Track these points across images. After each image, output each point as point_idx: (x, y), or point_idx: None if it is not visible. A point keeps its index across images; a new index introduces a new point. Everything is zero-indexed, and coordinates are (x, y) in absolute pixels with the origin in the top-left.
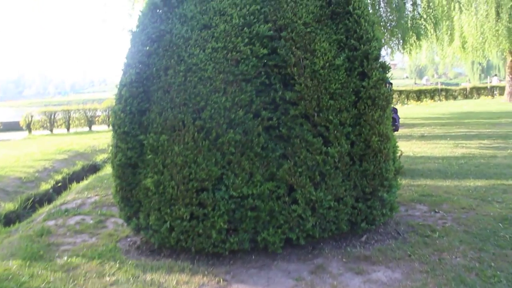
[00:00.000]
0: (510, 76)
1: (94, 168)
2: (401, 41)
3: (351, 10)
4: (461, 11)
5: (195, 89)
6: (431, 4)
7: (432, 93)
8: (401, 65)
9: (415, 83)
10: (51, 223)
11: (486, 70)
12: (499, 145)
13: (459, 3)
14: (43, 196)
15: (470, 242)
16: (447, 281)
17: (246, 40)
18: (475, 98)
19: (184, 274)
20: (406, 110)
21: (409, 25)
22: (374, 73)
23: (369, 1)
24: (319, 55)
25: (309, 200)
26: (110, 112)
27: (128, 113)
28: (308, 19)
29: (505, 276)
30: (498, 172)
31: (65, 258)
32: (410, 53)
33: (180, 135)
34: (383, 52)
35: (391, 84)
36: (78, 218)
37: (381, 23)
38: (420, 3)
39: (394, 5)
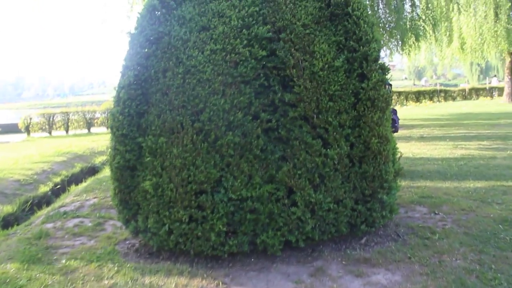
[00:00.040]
0: (509, 77)
1: (93, 170)
2: (400, 42)
3: (350, 11)
4: (459, 12)
5: (194, 91)
6: (429, 5)
7: (431, 94)
8: (400, 66)
9: (414, 84)
10: (49, 225)
11: (485, 71)
12: (499, 146)
13: (458, 4)
14: (41, 198)
15: (470, 244)
16: (448, 283)
17: (245, 42)
18: (474, 99)
19: (183, 277)
20: (405, 111)
21: (408, 26)
22: (373, 75)
23: (368, 2)
24: (318, 56)
25: (309, 202)
26: (108, 114)
27: (127, 116)
28: (307, 20)
29: (506, 279)
30: (497, 173)
31: (63, 261)
32: (409, 54)
33: (179, 138)
34: (382, 53)
35: (391, 85)
36: (76, 220)
37: (380, 24)
38: (419, 4)
39: (393, 6)
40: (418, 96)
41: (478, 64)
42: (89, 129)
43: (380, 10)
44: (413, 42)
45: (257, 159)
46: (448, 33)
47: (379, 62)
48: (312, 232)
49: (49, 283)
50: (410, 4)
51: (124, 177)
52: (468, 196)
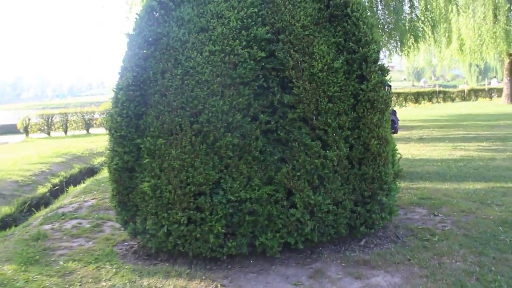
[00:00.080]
0: (508, 78)
1: (91, 171)
2: (399, 43)
3: (350, 12)
4: (458, 14)
5: (193, 92)
6: (428, 6)
7: (430, 95)
8: (399, 67)
9: (413, 85)
10: (47, 227)
11: (484, 72)
12: (498, 147)
13: (457, 5)
14: (40, 199)
15: (470, 246)
16: (447, 286)
17: (244, 43)
18: (473, 100)
19: (181, 279)
20: (404, 112)
21: (407, 27)
22: (373, 76)
23: (367, 4)
24: (317, 58)
25: (308, 204)
26: (107, 115)
27: (125, 117)
28: (306, 21)
29: (506, 281)
30: (497, 174)
31: (61, 262)
32: (408, 55)
33: (177, 139)
34: (381, 54)
35: (390, 86)
36: (75, 222)
37: (379, 26)
38: (418, 5)
39: (392, 8)
40: (417, 97)
41: (477, 65)
42: (87, 130)
43: (379, 11)
44: (412, 43)
45: (256, 161)
46: (447, 34)
47: (378, 63)
48: (311, 234)
49: (47, 285)
50: (409, 5)
51: (122, 179)
52: (468, 198)
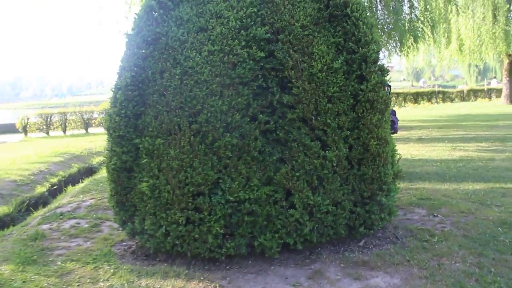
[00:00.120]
0: (507, 78)
1: (90, 171)
2: (398, 43)
3: (349, 12)
4: (458, 14)
5: (191, 92)
6: (428, 6)
7: (429, 96)
8: (398, 67)
9: (412, 86)
10: (45, 227)
11: (483, 73)
12: (497, 147)
13: (456, 5)
14: (38, 199)
15: (469, 247)
16: (447, 287)
17: (243, 43)
18: (472, 101)
19: (179, 280)
20: (403, 113)
21: (407, 27)
22: (372, 76)
23: (366, 4)
24: (317, 58)
25: (307, 205)
26: (105, 115)
27: (123, 117)
28: (305, 21)
29: (506, 282)
30: (496, 175)
31: (59, 262)
32: (407, 55)
33: (176, 139)
34: (380, 54)
35: (390, 86)
36: (73, 221)
37: (379, 26)
38: (417, 5)
39: (391, 8)
40: (416, 97)
41: (476, 66)
42: (86, 130)
43: (378, 12)
44: (412, 44)
45: (255, 161)
46: (446, 34)
47: (378, 63)
48: (310, 234)
49: (44, 285)
50: (408, 5)
51: (120, 179)
52: (467, 198)
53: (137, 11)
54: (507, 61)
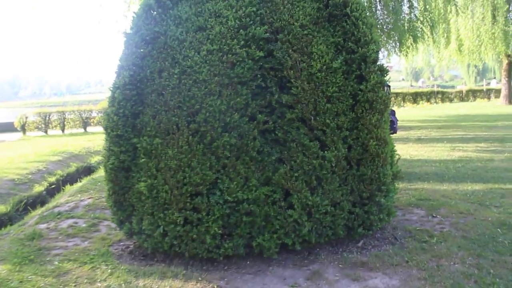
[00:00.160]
0: (506, 79)
1: (88, 170)
2: (397, 43)
3: (349, 12)
4: (457, 14)
5: (190, 92)
6: (427, 6)
7: (428, 96)
8: (397, 67)
9: (411, 86)
10: (43, 226)
11: (482, 73)
12: (496, 148)
13: (456, 6)
14: (36, 198)
15: (468, 248)
16: None
17: (242, 42)
18: (471, 101)
19: (177, 280)
20: (402, 113)
21: (406, 27)
22: (372, 76)
23: (366, 4)
24: (316, 57)
25: (305, 205)
26: (104, 114)
27: (122, 116)
28: (305, 21)
29: (505, 284)
30: (495, 176)
31: (56, 262)
32: (406, 55)
33: (174, 139)
34: (380, 54)
35: (389, 86)
36: (70, 221)
37: (378, 26)
38: (417, 5)
39: (391, 8)
40: (416, 97)
41: (475, 66)
42: (85, 128)
43: (378, 11)
44: (411, 44)
45: (253, 161)
46: (445, 34)
47: (377, 63)
48: (308, 235)
49: (41, 285)
50: (408, 5)
51: (118, 178)
52: (466, 199)
53: (136, 10)
54: (506, 61)
